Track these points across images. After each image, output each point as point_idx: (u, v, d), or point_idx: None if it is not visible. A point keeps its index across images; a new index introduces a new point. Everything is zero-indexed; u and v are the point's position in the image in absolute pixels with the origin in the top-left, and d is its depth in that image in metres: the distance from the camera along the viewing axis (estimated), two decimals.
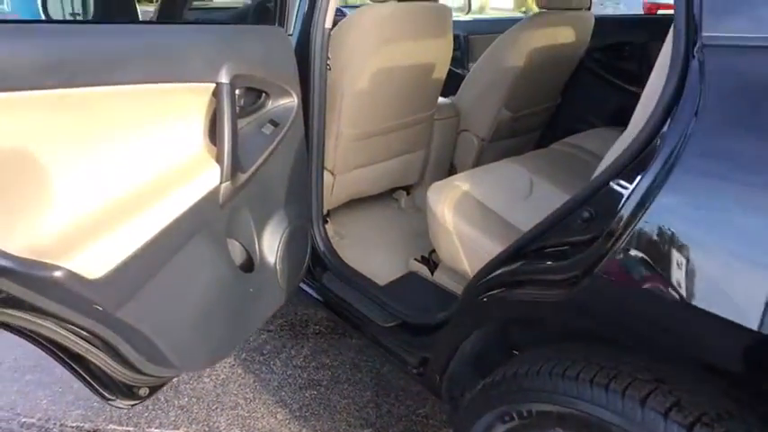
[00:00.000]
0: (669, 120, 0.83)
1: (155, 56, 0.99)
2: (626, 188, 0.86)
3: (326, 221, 1.92)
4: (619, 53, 2.49)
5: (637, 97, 2.69)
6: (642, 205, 0.80)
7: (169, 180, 1.02)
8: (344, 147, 1.82)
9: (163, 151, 1.03)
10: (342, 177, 1.91)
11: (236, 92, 1.13)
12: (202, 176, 1.07)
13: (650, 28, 2.50)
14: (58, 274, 0.85)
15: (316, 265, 1.73)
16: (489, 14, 10.72)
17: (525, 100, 2.36)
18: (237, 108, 1.13)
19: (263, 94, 1.25)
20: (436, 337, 1.33)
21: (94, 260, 0.90)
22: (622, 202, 0.84)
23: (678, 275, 0.76)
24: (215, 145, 1.13)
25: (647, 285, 0.80)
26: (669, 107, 0.84)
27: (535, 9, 2.30)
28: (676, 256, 0.77)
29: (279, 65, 1.29)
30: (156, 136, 1.02)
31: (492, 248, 1.38)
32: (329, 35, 1.49)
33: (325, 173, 1.77)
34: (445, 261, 1.54)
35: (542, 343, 1.11)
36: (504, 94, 2.21)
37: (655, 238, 0.78)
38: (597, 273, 0.84)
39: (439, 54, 1.90)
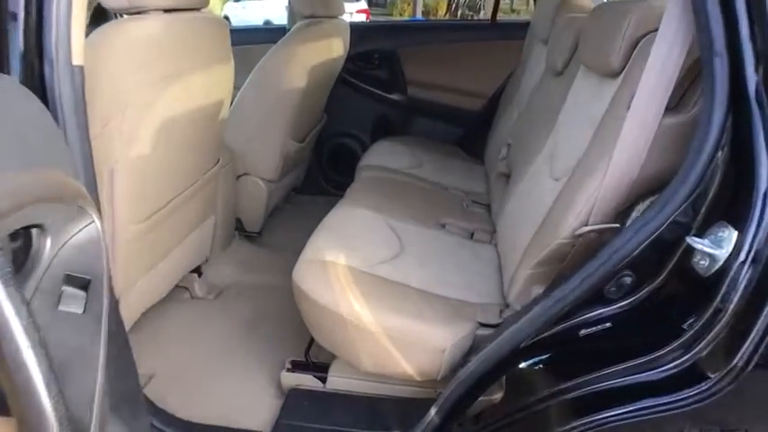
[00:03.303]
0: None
1: None
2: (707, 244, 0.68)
3: None
4: (370, 61, 2.38)
5: (397, 104, 2.61)
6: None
7: None
8: (124, 253, 1.14)
9: None
10: (125, 298, 1.22)
11: None
12: None
13: (397, 34, 2.48)
14: None
15: None
16: None
17: (308, 124, 2.02)
18: None
19: (34, 231, 0.58)
20: None
21: None
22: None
23: None
24: None
25: None
26: (715, 149, 0.68)
27: None
28: None
29: (43, 151, 0.62)
30: None
31: (439, 333, 1.05)
32: (83, 78, 0.83)
33: None
34: (366, 366, 1.11)
35: None
36: (289, 123, 1.82)
37: None
38: None
39: (223, 85, 1.37)
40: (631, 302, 0.77)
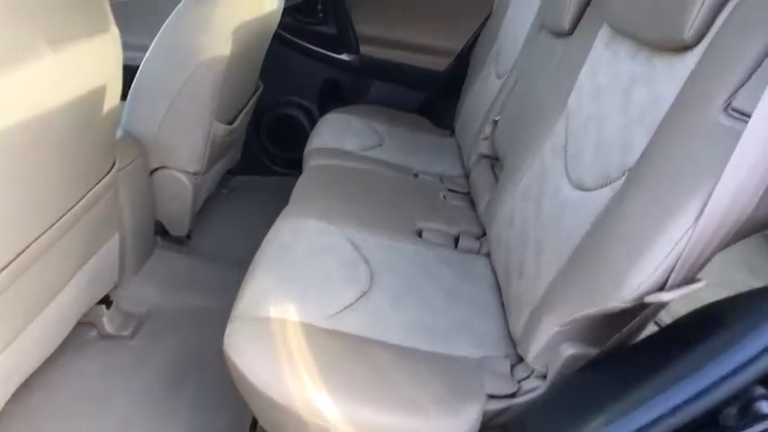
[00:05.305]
0: None
1: None
2: None
3: None
4: (312, 13, 1.95)
5: (347, 66, 2.16)
6: None
7: None
8: None
9: None
10: None
11: None
12: None
13: None
14: None
15: None
16: None
17: (238, 100, 1.60)
18: None
19: None
20: None
21: None
22: None
23: None
24: None
25: None
26: None
27: None
28: None
29: None
30: None
31: (440, 429, 0.74)
32: None
33: None
34: None
35: None
36: (212, 102, 1.41)
37: None
38: None
39: (103, 63, 0.95)
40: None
